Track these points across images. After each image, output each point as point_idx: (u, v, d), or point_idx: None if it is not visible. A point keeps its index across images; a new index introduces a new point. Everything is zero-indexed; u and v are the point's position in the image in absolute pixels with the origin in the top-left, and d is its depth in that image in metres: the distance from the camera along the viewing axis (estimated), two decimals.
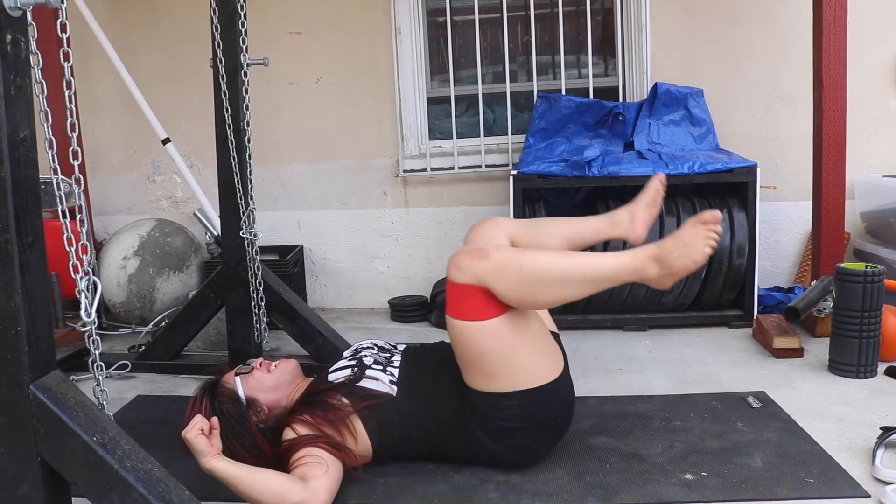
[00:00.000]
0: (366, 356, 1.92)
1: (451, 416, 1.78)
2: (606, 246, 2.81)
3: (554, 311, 2.98)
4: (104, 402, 1.48)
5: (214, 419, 1.69)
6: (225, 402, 1.82)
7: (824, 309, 2.62)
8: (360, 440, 1.77)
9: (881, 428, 1.85)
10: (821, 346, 2.61)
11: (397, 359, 1.92)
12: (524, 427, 1.72)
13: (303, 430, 1.73)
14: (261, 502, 1.57)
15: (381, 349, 1.98)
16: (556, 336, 1.91)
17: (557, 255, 1.68)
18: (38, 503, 1.34)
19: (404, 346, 2.01)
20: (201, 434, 1.60)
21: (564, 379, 1.78)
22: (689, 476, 1.74)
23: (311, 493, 1.57)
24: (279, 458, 1.70)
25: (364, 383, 1.83)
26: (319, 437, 1.71)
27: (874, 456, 1.75)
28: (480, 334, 1.64)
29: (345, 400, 1.78)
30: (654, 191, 1.94)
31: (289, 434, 1.74)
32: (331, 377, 1.88)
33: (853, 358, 2.33)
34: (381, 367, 1.87)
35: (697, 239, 1.57)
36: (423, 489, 1.73)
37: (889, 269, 2.67)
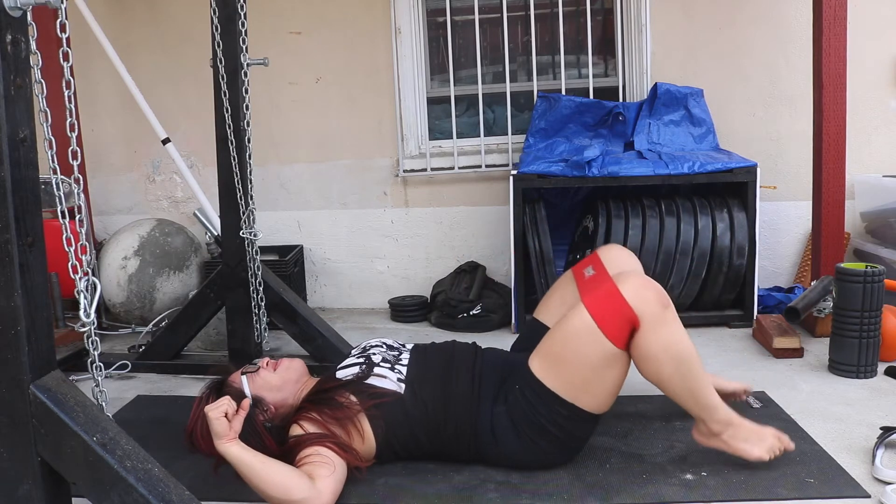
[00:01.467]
0: (374, 354, 1.93)
1: (459, 416, 1.78)
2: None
3: None
4: (104, 403, 1.48)
5: (246, 401, 1.71)
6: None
7: (824, 309, 2.62)
8: (367, 439, 1.77)
9: (881, 428, 1.85)
10: (821, 346, 2.61)
11: (405, 357, 1.92)
12: (555, 434, 1.73)
13: (311, 428, 1.73)
14: (266, 492, 1.58)
15: (390, 347, 1.98)
16: None
17: (699, 359, 1.72)
18: (38, 503, 1.34)
19: (413, 344, 2.01)
20: (224, 417, 1.62)
21: (600, 419, 1.80)
22: (689, 476, 1.74)
23: (315, 493, 1.58)
24: (286, 456, 1.71)
25: (372, 381, 1.83)
26: (327, 437, 1.71)
27: (874, 456, 1.75)
28: (598, 348, 1.65)
29: (353, 398, 1.78)
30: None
31: (296, 431, 1.74)
32: (339, 374, 1.88)
33: (853, 358, 2.33)
34: (389, 366, 1.87)
35: (768, 447, 1.72)
36: (423, 489, 1.73)
37: (889, 269, 2.68)
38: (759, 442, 1.72)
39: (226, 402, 1.65)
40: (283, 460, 1.68)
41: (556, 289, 2.09)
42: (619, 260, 1.98)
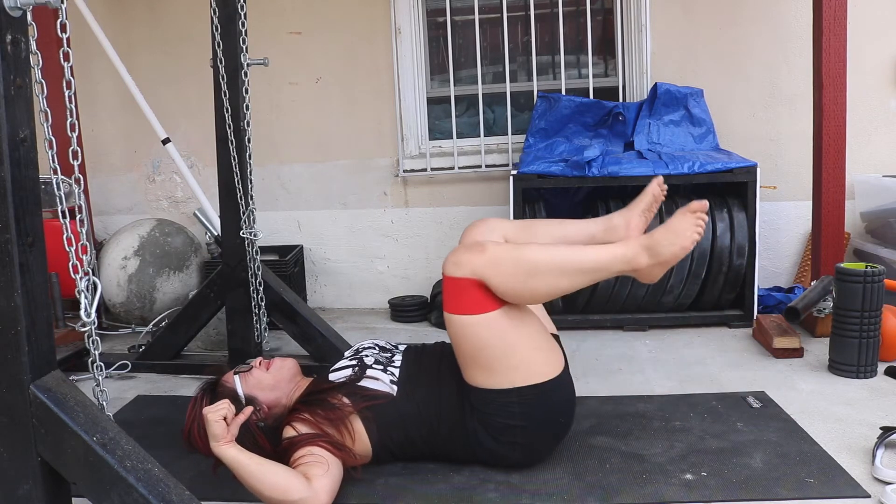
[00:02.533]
0: (367, 356, 1.93)
1: (452, 416, 1.78)
2: None
3: (554, 311, 3.01)
4: (104, 403, 1.48)
5: (249, 408, 1.73)
6: None
7: (824, 309, 2.62)
8: (359, 440, 1.77)
9: (881, 428, 1.85)
10: (821, 346, 2.61)
11: (398, 359, 1.92)
12: (524, 425, 1.72)
13: (303, 429, 1.74)
14: (263, 494, 1.58)
15: (382, 349, 1.98)
16: (556, 338, 1.91)
17: (552, 248, 1.70)
18: (38, 503, 1.34)
19: (405, 346, 2.01)
20: (223, 420, 1.63)
21: (564, 378, 1.78)
22: (689, 476, 1.74)
23: (312, 493, 1.58)
24: (280, 457, 1.71)
25: (364, 383, 1.83)
26: (320, 436, 1.71)
27: (874, 456, 1.75)
28: (478, 328, 1.65)
29: (345, 399, 1.78)
30: (652, 196, 1.93)
31: (289, 432, 1.74)
32: (331, 376, 1.88)
33: (853, 358, 2.33)
34: (381, 367, 1.87)
35: (686, 227, 1.64)
36: (423, 489, 1.73)
37: (889, 269, 2.68)
38: (678, 234, 1.64)
39: (225, 406, 1.66)
40: (278, 461, 1.68)
41: None
42: (468, 238, 1.94)
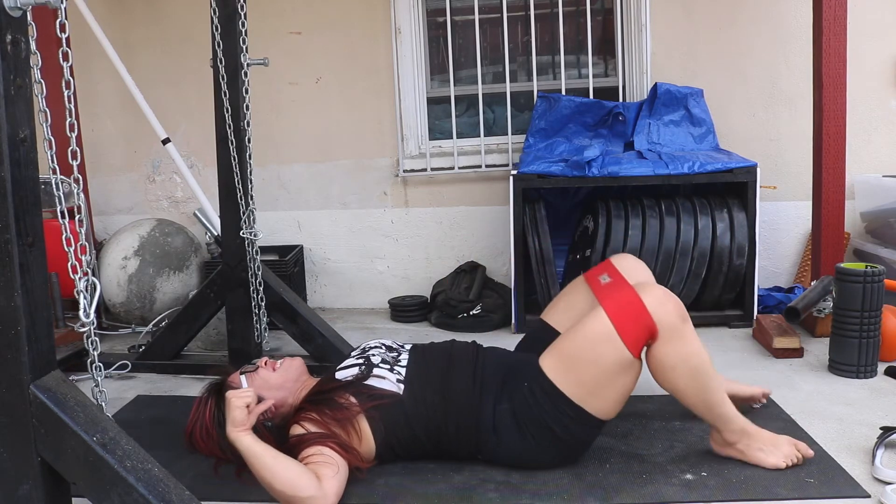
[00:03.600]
0: (373, 355, 1.92)
1: (460, 414, 1.78)
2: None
3: None
4: (104, 403, 1.48)
5: (270, 400, 1.77)
6: None
7: (824, 309, 2.62)
8: (365, 440, 1.77)
9: (881, 428, 1.85)
10: (821, 346, 2.61)
11: (405, 358, 1.92)
12: (559, 435, 1.73)
13: (312, 428, 1.74)
14: (273, 486, 1.59)
15: (389, 348, 1.98)
16: None
17: (714, 371, 1.73)
18: (38, 503, 1.34)
19: (411, 345, 2.01)
20: (246, 407, 1.65)
21: (605, 425, 1.80)
22: (689, 476, 1.74)
23: (322, 493, 1.58)
24: (287, 454, 1.71)
25: (371, 382, 1.82)
26: (329, 436, 1.71)
27: (874, 456, 1.75)
28: (614, 354, 1.65)
29: (352, 399, 1.78)
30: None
31: (297, 430, 1.74)
32: (338, 375, 1.88)
33: (853, 358, 2.33)
34: (388, 367, 1.87)
35: (784, 455, 1.74)
36: (423, 489, 1.73)
37: (889, 269, 2.68)
38: (774, 451, 1.75)
39: (250, 393, 1.69)
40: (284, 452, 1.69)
41: (566, 293, 2.08)
42: (634, 270, 1.98)
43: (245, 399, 1.67)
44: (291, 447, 1.71)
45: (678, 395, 1.73)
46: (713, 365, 1.72)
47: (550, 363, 1.73)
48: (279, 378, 1.89)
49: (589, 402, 1.69)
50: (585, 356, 1.68)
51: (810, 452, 1.76)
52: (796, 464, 1.74)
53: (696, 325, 2.87)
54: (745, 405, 2.06)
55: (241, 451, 1.64)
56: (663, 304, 1.66)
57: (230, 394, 1.69)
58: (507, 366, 1.85)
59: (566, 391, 1.70)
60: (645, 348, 1.69)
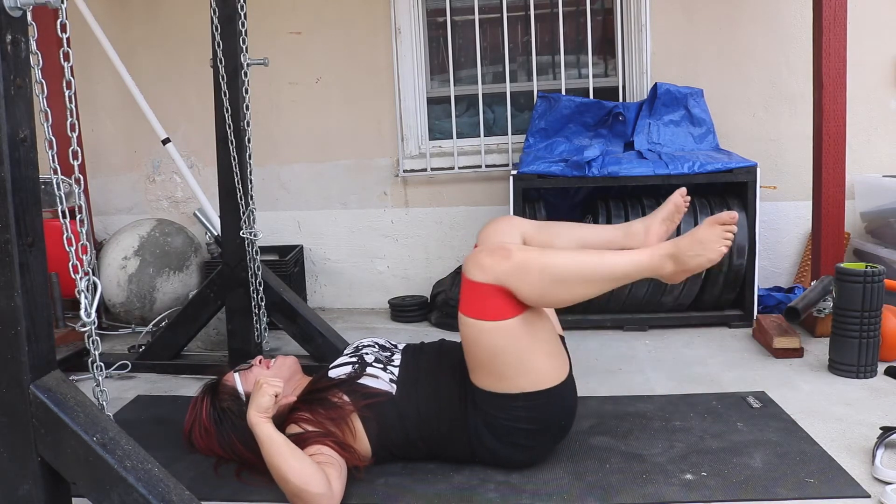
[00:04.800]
0: (367, 354, 1.93)
1: (452, 415, 1.78)
2: None
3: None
4: (104, 403, 1.48)
5: (293, 397, 1.78)
6: (225, 399, 1.84)
7: (824, 309, 2.62)
8: (360, 439, 1.77)
9: (881, 428, 1.85)
10: (821, 346, 2.61)
11: (398, 358, 1.92)
12: (528, 428, 1.72)
13: (309, 428, 1.74)
14: (285, 477, 1.58)
15: (382, 348, 1.98)
16: (562, 339, 1.91)
17: (578, 255, 1.68)
18: (38, 503, 1.34)
19: (404, 345, 2.01)
20: (273, 396, 1.66)
21: (570, 382, 1.78)
22: (689, 476, 1.74)
23: (330, 493, 1.59)
24: None
25: (364, 381, 1.83)
26: (327, 435, 1.71)
27: (874, 456, 1.75)
28: (496, 334, 1.64)
29: (346, 398, 1.78)
30: (674, 205, 1.94)
31: (294, 430, 1.74)
32: (331, 373, 1.88)
33: (853, 358, 2.33)
34: (381, 366, 1.87)
35: (714, 238, 1.61)
36: (423, 489, 1.73)
37: (889, 269, 2.68)
38: (703, 244, 1.61)
39: (281, 384, 1.69)
40: None
41: None
42: (490, 238, 1.92)
43: (276, 388, 1.67)
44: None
45: (584, 298, 1.67)
46: (575, 253, 1.68)
47: (474, 377, 1.74)
48: (272, 375, 1.90)
49: (523, 383, 1.68)
50: (484, 355, 1.67)
51: (734, 215, 1.62)
52: (731, 233, 1.62)
53: (696, 325, 2.94)
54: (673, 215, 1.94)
55: (259, 437, 1.64)
56: (480, 265, 1.62)
57: (263, 379, 1.69)
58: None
59: (501, 390, 1.69)
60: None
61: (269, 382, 1.68)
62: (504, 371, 1.67)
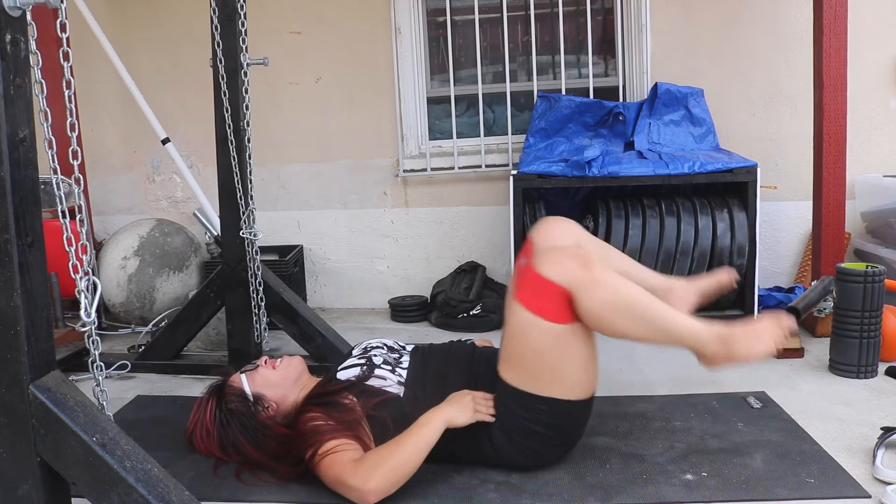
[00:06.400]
0: (375, 356, 1.92)
1: None
2: None
3: None
4: (104, 403, 1.48)
5: (492, 412, 1.74)
6: (233, 400, 1.84)
7: (824, 309, 2.62)
8: (370, 441, 1.77)
9: (881, 428, 1.85)
10: (821, 346, 2.61)
11: (406, 359, 1.92)
12: (544, 434, 1.72)
13: (322, 424, 1.73)
14: (408, 465, 1.63)
15: (391, 349, 1.98)
16: None
17: (650, 296, 1.66)
18: (38, 503, 1.34)
19: (413, 346, 2.01)
20: (478, 412, 1.70)
21: (592, 401, 1.78)
22: (689, 476, 1.74)
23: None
24: (294, 447, 1.71)
25: (372, 382, 1.82)
26: (349, 430, 1.71)
27: (874, 456, 1.75)
28: (547, 334, 1.63)
29: (355, 399, 1.78)
30: (718, 283, 1.96)
31: (308, 426, 1.73)
32: (340, 375, 1.87)
33: (853, 358, 2.33)
34: (390, 368, 1.87)
35: (770, 336, 1.61)
36: (423, 489, 1.73)
37: (889, 269, 2.67)
38: (758, 340, 1.61)
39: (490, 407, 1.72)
40: (296, 443, 1.71)
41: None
42: (549, 236, 1.91)
43: (485, 417, 1.71)
44: (306, 437, 1.70)
45: (629, 337, 1.65)
46: (648, 294, 1.66)
47: (504, 368, 1.73)
48: (279, 376, 1.90)
49: (554, 389, 1.68)
50: (525, 349, 1.66)
51: (793, 324, 1.62)
52: (785, 337, 1.63)
53: None
54: (720, 295, 1.99)
55: (426, 428, 1.66)
56: (558, 264, 1.61)
57: (477, 405, 1.71)
58: (495, 371, 1.84)
59: (529, 389, 1.69)
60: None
61: (480, 411, 1.70)
62: (539, 372, 1.67)
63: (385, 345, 2.00)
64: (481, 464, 1.80)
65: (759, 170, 2.88)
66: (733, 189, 2.98)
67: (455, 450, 1.81)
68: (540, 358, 1.66)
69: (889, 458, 1.78)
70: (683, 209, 2.92)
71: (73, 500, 1.42)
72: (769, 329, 1.62)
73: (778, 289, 3.20)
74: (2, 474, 1.34)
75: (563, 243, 1.86)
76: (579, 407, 1.73)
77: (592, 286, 1.59)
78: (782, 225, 3.38)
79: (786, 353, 2.56)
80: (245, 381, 1.87)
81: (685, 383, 2.37)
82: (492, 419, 1.71)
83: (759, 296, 3.00)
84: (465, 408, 1.70)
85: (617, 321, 1.62)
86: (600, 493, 1.68)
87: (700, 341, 1.62)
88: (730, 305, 3.02)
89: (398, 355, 1.94)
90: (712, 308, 3.00)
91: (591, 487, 1.71)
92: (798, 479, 1.70)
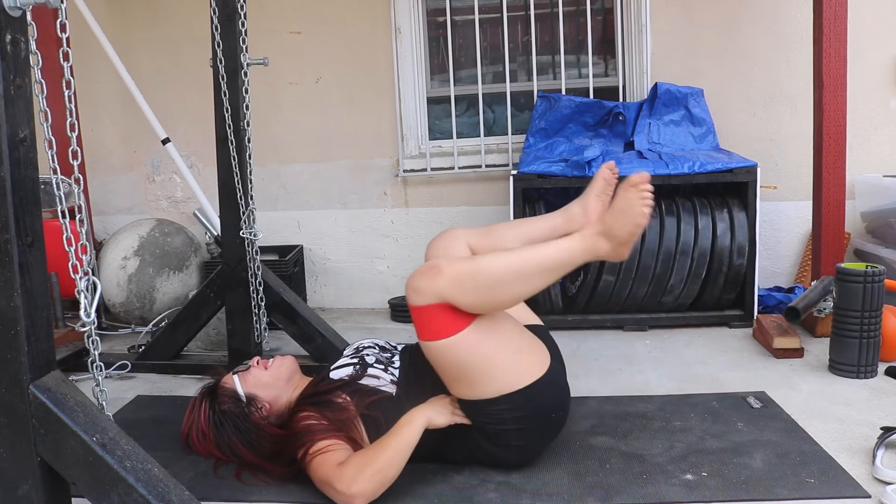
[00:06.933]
0: (367, 355, 1.93)
1: None
2: None
3: (554, 311, 3.00)
4: (104, 403, 1.48)
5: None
6: (225, 401, 1.84)
7: (824, 309, 2.62)
8: (363, 440, 1.77)
9: (881, 428, 1.85)
10: (821, 346, 2.61)
11: (398, 359, 1.92)
12: (518, 428, 1.72)
13: (315, 423, 1.74)
14: (392, 467, 1.63)
15: (383, 349, 1.98)
16: (541, 329, 1.90)
17: (509, 254, 1.68)
18: (38, 503, 1.34)
19: (403, 345, 2.01)
20: (455, 414, 1.72)
21: (553, 374, 1.76)
22: (689, 476, 1.74)
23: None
24: (288, 447, 1.71)
25: (365, 381, 1.83)
26: (341, 430, 1.72)
27: (874, 456, 1.74)
28: (454, 348, 1.64)
29: (348, 399, 1.78)
30: (603, 180, 1.94)
31: (301, 426, 1.74)
32: (332, 374, 1.88)
33: (853, 358, 2.33)
34: (382, 367, 1.88)
35: (633, 203, 1.60)
36: (423, 489, 1.73)
37: (889, 269, 2.67)
38: (627, 215, 1.60)
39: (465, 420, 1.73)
40: (289, 442, 1.71)
41: None
42: (432, 255, 1.93)
43: (461, 420, 1.72)
44: (298, 436, 1.71)
45: (525, 296, 1.68)
46: (505, 253, 1.68)
47: (453, 390, 1.74)
48: (271, 376, 1.91)
49: (500, 385, 1.68)
50: (453, 370, 1.68)
51: (644, 175, 1.60)
52: (647, 192, 1.59)
53: (696, 325, 2.94)
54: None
55: (407, 428, 1.66)
56: (417, 290, 1.61)
57: (453, 410, 1.72)
58: None
59: (481, 397, 1.69)
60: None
61: (457, 414, 1.72)
62: (475, 379, 1.68)
63: (377, 344, 2.00)
64: (475, 460, 1.80)
65: (759, 170, 2.88)
66: (733, 189, 2.98)
67: (454, 455, 1.81)
68: (469, 368, 1.66)
69: (889, 458, 1.77)
70: (683, 209, 2.93)
71: (73, 500, 1.42)
72: (626, 198, 1.61)
73: (778, 289, 3.21)
74: (2, 474, 1.34)
75: (454, 253, 1.87)
76: (536, 388, 1.71)
77: (452, 284, 1.60)
78: (782, 225, 3.38)
79: (786, 353, 2.56)
80: (237, 382, 1.87)
81: (685, 383, 2.37)
82: (468, 421, 1.72)
83: (759, 296, 3.00)
84: (443, 409, 1.72)
85: (498, 294, 1.64)
86: (600, 493, 1.68)
87: (585, 250, 1.65)
88: (730, 305, 3.02)
89: (390, 355, 1.95)
90: (712, 308, 3.00)
91: (591, 487, 1.71)
92: (798, 479, 1.70)
